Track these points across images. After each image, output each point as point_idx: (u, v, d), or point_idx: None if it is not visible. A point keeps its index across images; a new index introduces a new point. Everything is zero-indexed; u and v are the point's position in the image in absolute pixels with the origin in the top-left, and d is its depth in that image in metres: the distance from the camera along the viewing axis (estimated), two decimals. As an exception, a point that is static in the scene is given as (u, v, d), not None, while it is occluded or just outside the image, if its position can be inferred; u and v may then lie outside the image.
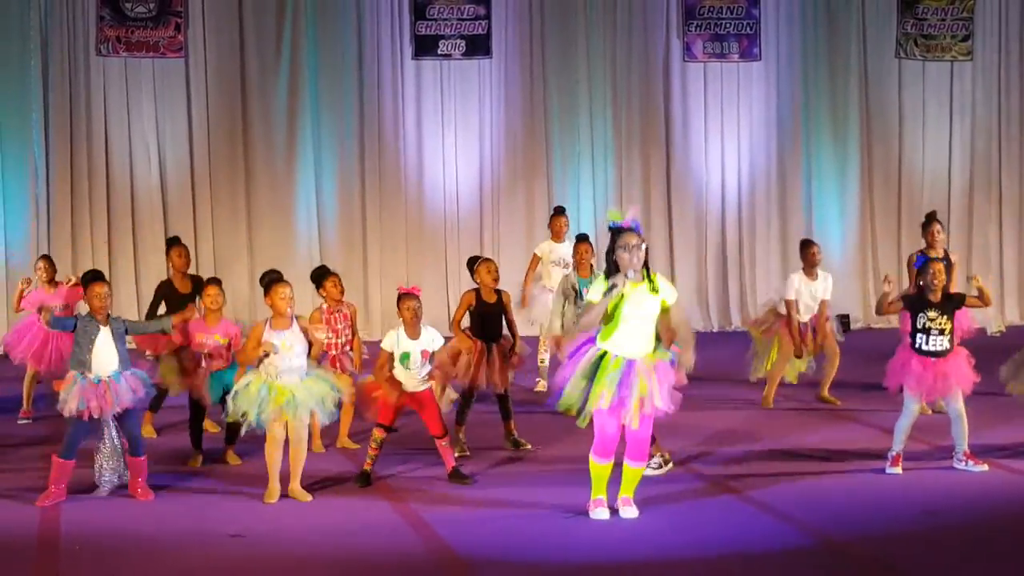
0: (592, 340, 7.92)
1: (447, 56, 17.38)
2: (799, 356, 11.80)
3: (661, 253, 17.59)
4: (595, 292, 7.84)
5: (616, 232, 7.86)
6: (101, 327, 8.57)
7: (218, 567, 7.19)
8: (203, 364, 9.56)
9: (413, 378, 8.95)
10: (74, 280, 11.64)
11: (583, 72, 17.61)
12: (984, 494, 8.60)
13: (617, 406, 7.77)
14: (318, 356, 9.04)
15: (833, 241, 18.00)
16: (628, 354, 7.82)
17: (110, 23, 16.59)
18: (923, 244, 11.58)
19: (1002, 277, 18.39)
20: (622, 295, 7.76)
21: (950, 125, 18.36)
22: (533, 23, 17.51)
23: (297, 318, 8.73)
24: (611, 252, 7.85)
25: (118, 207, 16.80)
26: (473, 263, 10.17)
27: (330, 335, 9.89)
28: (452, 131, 17.50)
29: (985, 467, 9.14)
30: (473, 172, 17.60)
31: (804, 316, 11.74)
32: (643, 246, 7.81)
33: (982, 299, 9.40)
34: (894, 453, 9.18)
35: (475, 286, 10.06)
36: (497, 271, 10.06)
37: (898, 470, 9.09)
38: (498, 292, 10.02)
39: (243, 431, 8.73)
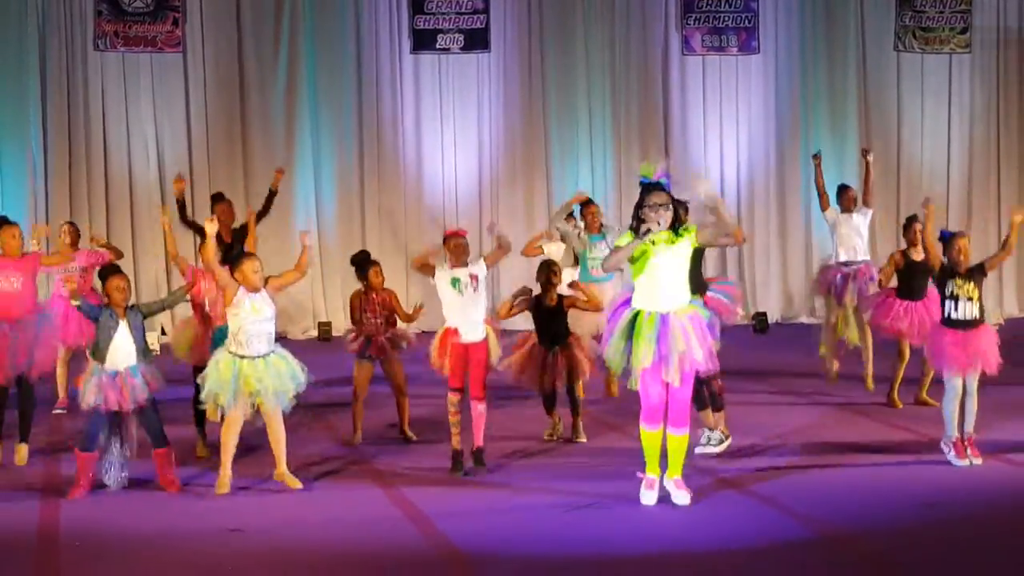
0: (627, 302, 7.96)
1: (445, 50, 17.36)
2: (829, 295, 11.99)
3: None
4: (622, 240, 7.91)
5: (645, 188, 7.87)
6: (120, 321, 8.60)
7: (218, 562, 7.18)
8: (207, 311, 9.73)
9: (468, 312, 9.01)
10: (102, 243, 12.02)
11: (582, 66, 17.60)
12: (986, 487, 8.59)
13: (658, 363, 7.77)
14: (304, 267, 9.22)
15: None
16: (661, 308, 7.83)
17: (108, 17, 16.58)
18: (903, 244, 11.64)
19: (1000, 270, 18.35)
20: (650, 245, 7.76)
21: (948, 117, 18.36)
22: (532, 17, 17.50)
23: (266, 281, 8.77)
24: (639, 208, 7.86)
25: (116, 202, 16.81)
26: (544, 269, 10.18)
27: (370, 316, 10.15)
28: (451, 125, 17.50)
29: (979, 462, 9.09)
30: (472, 166, 17.59)
31: (846, 253, 11.96)
32: (670, 205, 7.81)
33: (1005, 247, 9.34)
34: (953, 438, 9.12)
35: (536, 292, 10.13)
36: (557, 281, 10.07)
37: (965, 462, 9.05)
38: (560, 297, 10.05)
39: (217, 415, 8.75)
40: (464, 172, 17.58)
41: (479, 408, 9.10)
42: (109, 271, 8.91)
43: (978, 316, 9.15)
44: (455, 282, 9.03)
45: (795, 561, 7.06)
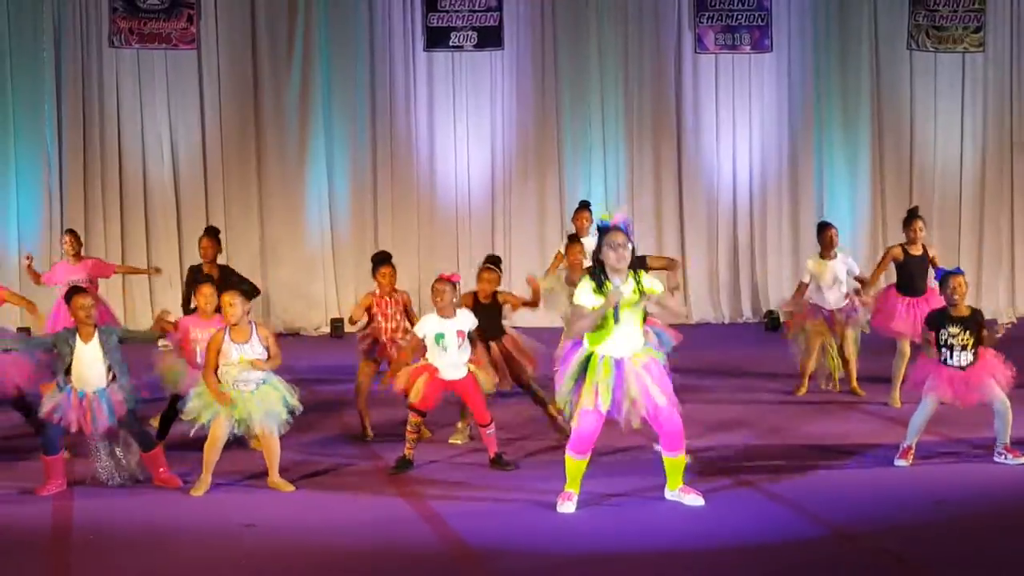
0: (579, 343, 7.97)
1: (459, 48, 17.38)
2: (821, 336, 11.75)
3: (672, 244, 17.63)
4: (585, 296, 7.85)
5: (604, 231, 7.91)
6: (81, 341, 8.53)
7: (231, 557, 7.22)
8: (199, 359, 9.36)
9: (451, 363, 9.05)
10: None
11: (595, 64, 17.61)
12: (997, 486, 8.60)
13: (614, 410, 7.84)
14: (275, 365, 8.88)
15: (844, 233, 17.91)
16: (617, 354, 7.87)
17: (123, 14, 16.64)
18: (903, 239, 11.58)
19: (1013, 267, 18.34)
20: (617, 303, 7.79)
21: (961, 116, 18.29)
22: (545, 15, 17.51)
23: (256, 325, 8.72)
24: (598, 250, 7.90)
25: (131, 199, 16.87)
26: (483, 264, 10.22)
27: (380, 320, 10.06)
28: (464, 123, 17.52)
29: (905, 463, 9.09)
30: (485, 164, 17.61)
31: (829, 300, 11.69)
32: (629, 245, 7.85)
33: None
34: (905, 446, 9.18)
35: (474, 290, 10.12)
36: (495, 282, 10.06)
37: (905, 463, 9.08)
38: (494, 294, 10.06)
39: (192, 432, 8.71)
40: (477, 170, 17.61)
41: (488, 432, 9.16)
42: (74, 291, 8.83)
43: (973, 361, 9.09)
44: (439, 338, 9.02)
45: (804, 559, 7.08)
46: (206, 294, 9.58)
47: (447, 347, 9.04)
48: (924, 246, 11.39)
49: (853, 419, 10.86)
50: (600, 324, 7.83)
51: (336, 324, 16.88)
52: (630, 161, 17.78)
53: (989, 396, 9.10)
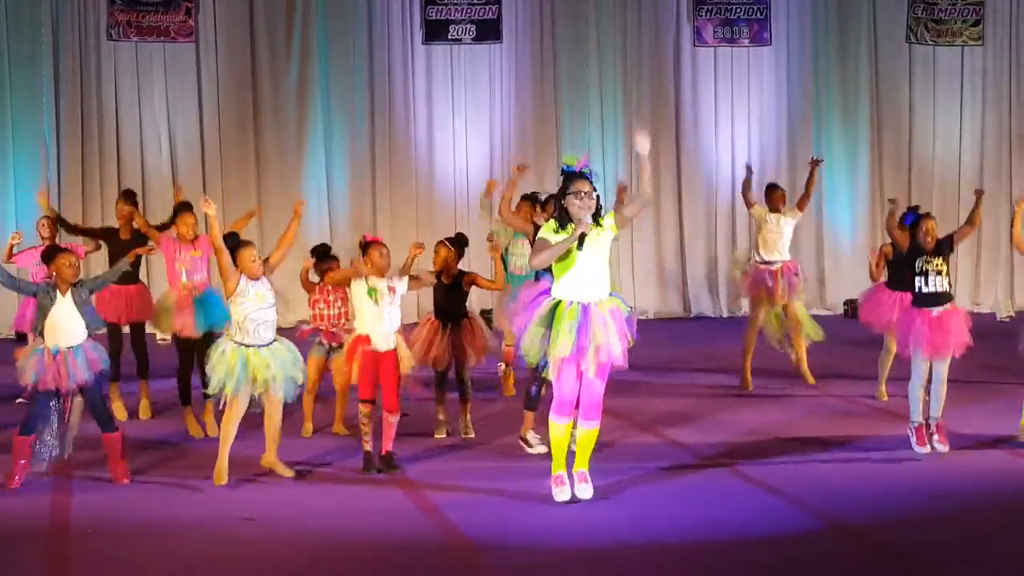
0: (547, 291, 7.91)
1: (457, 41, 17.38)
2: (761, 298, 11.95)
3: (671, 237, 17.65)
4: (548, 234, 7.80)
5: (568, 177, 7.84)
6: (60, 296, 8.54)
7: (231, 550, 7.23)
8: (184, 281, 9.94)
9: (383, 320, 8.90)
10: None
11: (593, 57, 17.61)
12: (996, 478, 8.61)
13: (576, 354, 7.72)
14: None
15: (843, 226, 18.02)
16: (583, 299, 7.78)
17: (121, 7, 16.63)
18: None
19: (1012, 260, 18.34)
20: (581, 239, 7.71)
21: (960, 110, 18.30)
22: (543, 7, 17.51)
23: (265, 262, 8.80)
24: (562, 196, 7.82)
25: (129, 191, 16.87)
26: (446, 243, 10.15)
27: (323, 307, 10.10)
28: (462, 116, 17.52)
29: (945, 448, 9.10)
30: (483, 156, 17.61)
31: (765, 255, 11.98)
32: (594, 194, 7.79)
33: (971, 222, 9.40)
34: (915, 424, 9.14)
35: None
36: (451, 260, 9.98)
37: (926, 449, 9.06)
38: (461, 272, 10.01)
39: (222, 403, 8.71)
40: (475, 163, 17.60)
41: (391, 419, 8.95)
42: (58, 249, 8.86)
43: (947, 289, 9.17)
44: (372, 292, 8.92)
45: (802, 552, 7.09)
46: (189, 223, 10.16)
47: (379, 300, 8.89)
48: None
49: (846, 412, 10.87)
50: (563, 256, 7.75)
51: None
52: (628, 154, 17.76)
53: (940, 360, 9.09)
